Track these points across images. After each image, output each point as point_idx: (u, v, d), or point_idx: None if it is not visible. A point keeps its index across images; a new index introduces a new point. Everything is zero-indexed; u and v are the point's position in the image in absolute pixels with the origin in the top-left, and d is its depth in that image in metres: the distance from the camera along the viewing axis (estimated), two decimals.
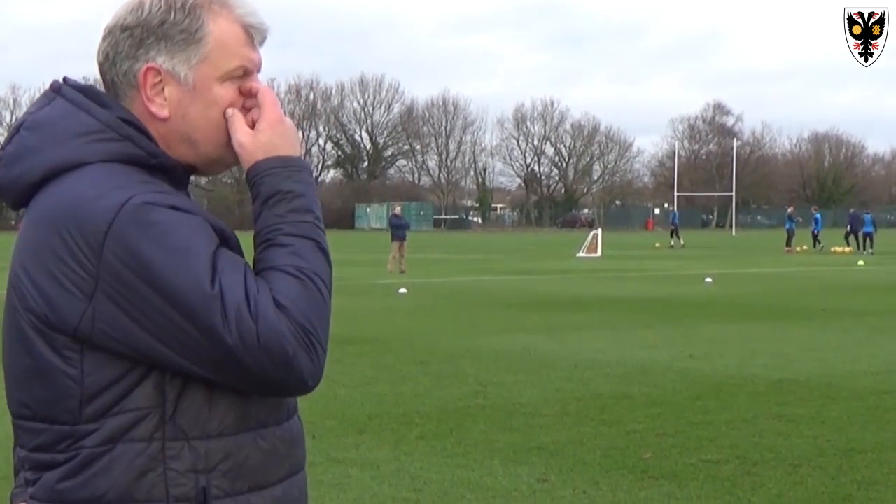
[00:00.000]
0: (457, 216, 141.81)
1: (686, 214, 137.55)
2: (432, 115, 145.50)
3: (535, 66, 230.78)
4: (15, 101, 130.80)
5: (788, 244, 63.51)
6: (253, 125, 2.56)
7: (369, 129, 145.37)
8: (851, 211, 72.41)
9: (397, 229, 40.22)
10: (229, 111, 2.54)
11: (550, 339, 18.38)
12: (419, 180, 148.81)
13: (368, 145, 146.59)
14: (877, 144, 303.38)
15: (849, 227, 65.52)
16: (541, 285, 32.85)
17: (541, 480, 9.13)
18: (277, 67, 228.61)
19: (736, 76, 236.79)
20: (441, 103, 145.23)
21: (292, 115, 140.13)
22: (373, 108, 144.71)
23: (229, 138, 2.55)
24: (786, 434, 10.83)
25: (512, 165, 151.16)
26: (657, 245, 71.00)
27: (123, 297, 2.35)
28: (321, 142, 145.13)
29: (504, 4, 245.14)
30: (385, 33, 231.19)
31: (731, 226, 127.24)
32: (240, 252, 2.48)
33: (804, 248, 62.39)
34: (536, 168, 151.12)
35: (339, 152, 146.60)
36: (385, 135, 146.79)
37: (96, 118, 2.49)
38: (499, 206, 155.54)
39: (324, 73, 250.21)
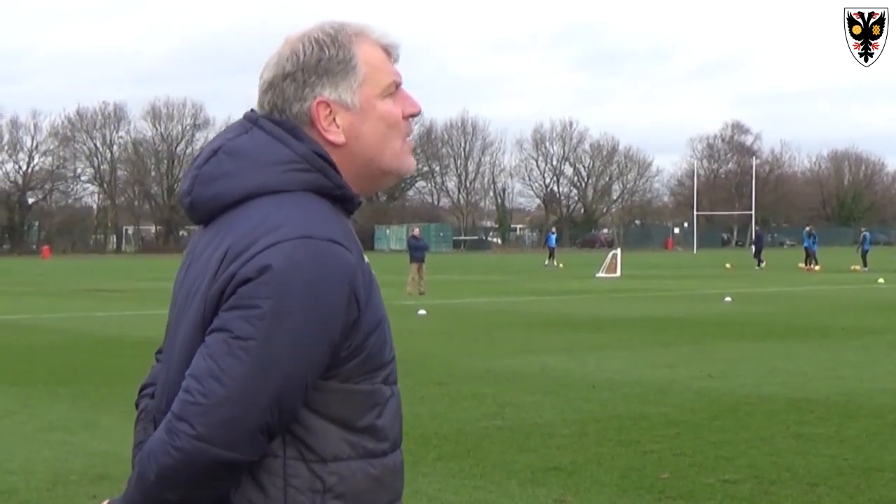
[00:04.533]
0: (476, 237, 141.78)
1: (706, 233, 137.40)
2: (451, 136, 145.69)
3: (556, 88, 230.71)
4: (35, 125, 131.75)
5: (807, 262, 63.49)
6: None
7: None
8: (756, 229, 74.46)
9: (416, 251, 40.19)
10: None
11: (569, 360, 18.39)
12: (438, 201, 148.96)
13: None
14: None
15: (753, 246, 68.28)
16: (559, 306, 32.84)
17: (558, 501, 9.13)
18: None
19: (757, 96, 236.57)
20: (460, 124, 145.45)
21: None
22: None
23: (400, 146, 2.83)
24: (803, 453, 10.83)
25: (531, 186, 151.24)
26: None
27: (218, 307, 2.60)
28: None
29: (533, 28, 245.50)
30: (410, 56, 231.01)
31: (750, 244, 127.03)
32: (371, 279, 2.74)
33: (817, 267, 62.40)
34: (555, 188, 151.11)
35: None
36: None
37: (293, 150, 2.72)
38: (518, 226, 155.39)
39: None
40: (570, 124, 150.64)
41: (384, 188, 3.05)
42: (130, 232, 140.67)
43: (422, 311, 29.24)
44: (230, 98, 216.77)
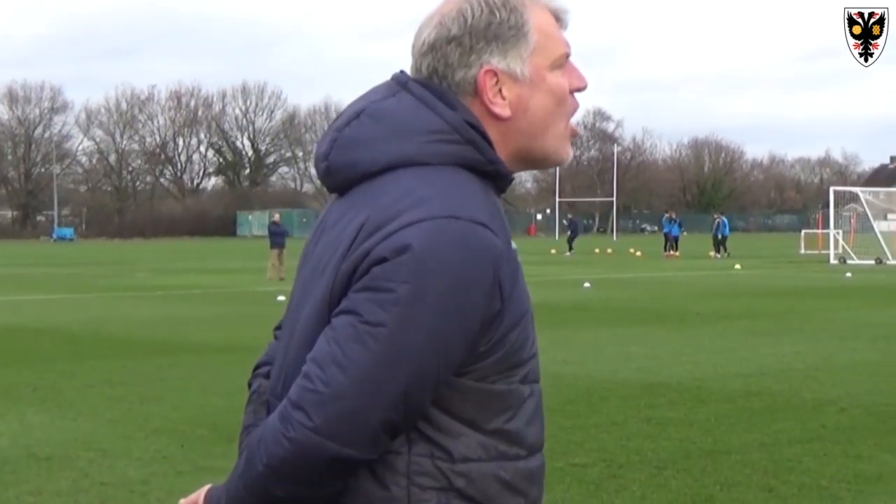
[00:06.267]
0: None
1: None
2: (315, 122, 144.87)
3: None
4: None
5: (666, 248, 64.31)
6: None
7: (251, 136, 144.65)
8: (570, 216, 76.43)
9: (276, 236, 40.19)
10: None
11: None
12: (301, 187, 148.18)
13: (250, 152, 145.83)
14: (755, 150, 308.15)
15: (569, 233, 70.82)
16: None
17: None
18: (158, 75, 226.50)
19: (624, 85, 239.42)
20: (323, 110, 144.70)
21: (173, 123, 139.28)
22: (254, 115, 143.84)
23: (563, 128, 2.62)
24: (653, 437, 10.95)
25: None
26: None
27: (348, 286, 2.39)
28: (202, 149, 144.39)
29: (405, 16, 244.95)
30: (279, 44, 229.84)
31: (612, 231, 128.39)
32: (517, 267, 2.51)
33: (676, 252, 63.29)
34: None
35: (221, 159, 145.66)
36: (267, 142, 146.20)
37: (443, 118, 2.48)
38: None
39: (206, 81, 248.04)
40: None
41: (532, 170, 2.77)
42: None
43: (281, 297, 28.99)
44: (91, 82, 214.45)
